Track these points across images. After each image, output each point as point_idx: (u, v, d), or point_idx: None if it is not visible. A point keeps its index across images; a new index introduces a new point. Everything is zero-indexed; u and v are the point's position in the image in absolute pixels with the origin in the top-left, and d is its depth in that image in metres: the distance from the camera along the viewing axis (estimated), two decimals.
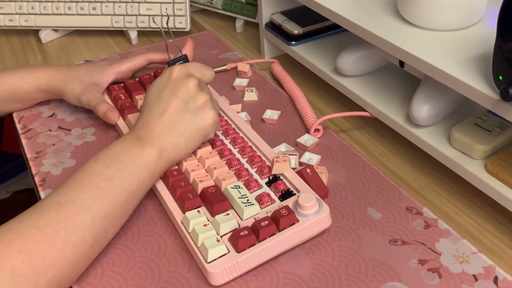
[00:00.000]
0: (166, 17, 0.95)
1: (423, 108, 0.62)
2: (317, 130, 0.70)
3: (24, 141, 0.72)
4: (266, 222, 0.52)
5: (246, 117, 0.72)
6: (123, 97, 0.73)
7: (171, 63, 0.63)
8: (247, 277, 0.52)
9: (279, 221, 0.52)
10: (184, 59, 0.64)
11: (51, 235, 0.48)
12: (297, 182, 0.58)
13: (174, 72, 0.60)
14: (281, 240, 0.52)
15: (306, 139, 0.68)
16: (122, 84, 0.76)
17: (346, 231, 0.56)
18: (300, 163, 0.65)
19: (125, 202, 0.54)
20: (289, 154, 0.64)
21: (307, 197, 0.54)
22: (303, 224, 0.53)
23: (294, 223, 0.53)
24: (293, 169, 0.62)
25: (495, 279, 0.51)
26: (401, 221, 0.57)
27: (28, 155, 0.70)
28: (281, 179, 0.59)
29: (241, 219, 0.54)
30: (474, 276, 0.51)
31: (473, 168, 0.57)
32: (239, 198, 0.55)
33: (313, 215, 0.53)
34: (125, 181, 0.54)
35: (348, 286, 0.51)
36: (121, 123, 0.70)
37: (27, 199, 1.63)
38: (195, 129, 0.59)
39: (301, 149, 0.68)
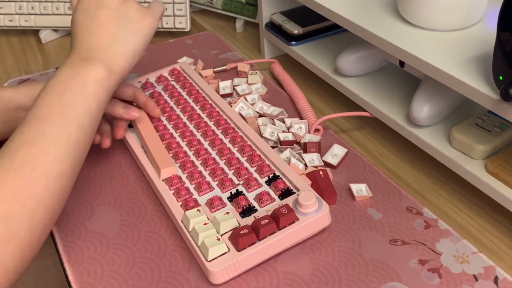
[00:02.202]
0: (167, 17, 0.95)
1: (423, 108, 0.62)
2: (317, 130, 0.70)
3: None
4: (266, 221, 0.52)
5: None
6: None
7: None
8: (247, 277, 0.52)
9: (279, 219, 0.52)
10: None
11: (30, 173, 0.48)
12: (297, 180, 0.58)
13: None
14: (281, 238, 0.52)
15: (306, 139, 0.68)
16: None
17: (346, 231, 0.56)
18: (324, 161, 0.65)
19: (90, 125, 0.54)
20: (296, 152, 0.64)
21: (306, 196, 0.54)
22: (303, 222, 0.53)
23: (294, 222, 0.53)
24: (306, 166, 0.63)
25: (495, 279, 0.51)
26: (401, 221, 0.57)
27: None
28: (281, 178, 0.59)
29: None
30: (474, 276, 0.51)
31: (473, 168, 0.57)
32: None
33: (313, 213, 0.53)
34: (84, 103, 0.53)
35: (348, 286, 0.51)
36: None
37: None
38: (135, 31, 0.59)
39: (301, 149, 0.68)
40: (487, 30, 0.62)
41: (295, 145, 0.67)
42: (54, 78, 0.55)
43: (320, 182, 0.59)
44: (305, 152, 0.65)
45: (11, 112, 0.65)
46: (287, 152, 0.64)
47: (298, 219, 0.53)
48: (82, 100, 0.53)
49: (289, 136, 0.67)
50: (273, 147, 0.66)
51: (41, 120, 0.51)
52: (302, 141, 0.67)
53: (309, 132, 0.69)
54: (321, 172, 0.60)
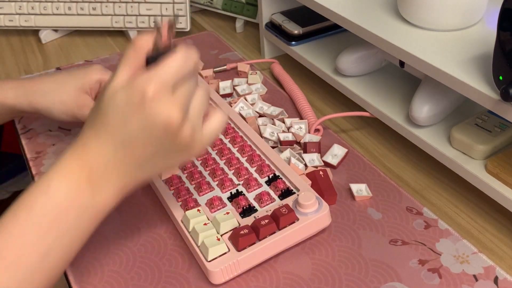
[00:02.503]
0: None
1: (423, 108, 0.62)
2: (317, 130, 0.70)
3: (24, 141, 0.72)
4: (266, 221, 0.52)
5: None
6: None
7: (151, 59, 0.45)
8: (247, 277, 0.52)
9: (279, 219, 0.52)
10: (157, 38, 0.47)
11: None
12: (297, 181, 0.58)
13: (149, 93, 0.42)
14: (281, 238, 0.52)
15: (306, 139, 0.68)
16: None
17: (346, 231, 0.56)
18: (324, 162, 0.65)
19: (64, 256, 0.45)
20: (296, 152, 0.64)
21: (306, 196, 0.54)
22: (303, 222, 0.53)
23: (294, 222, 0.53)
24: (306, 166, 0.63)
25: (495, 279, 0.51)
26: (401, 221, 0.57)
27: (28, 155, 0.70)
28: (281, 178, 0.59)
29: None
30: (474, 276, 0.51)
31: (473, 168, 0.57)
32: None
33: (313, 213, 0.53)
34: (66, 245, 0.44)
35: (348, 286, 0.51)
36: None
37: None
38: (171, 164, 0.47)
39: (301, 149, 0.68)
40: (487, 30, 0.61)
41: (295, 145, 0.67)
42: (45, 196, 0.43)
43: (320, 182, 0.59)
44: (305, 152, 0.65)
45: (14, 114, 0.65)
46: (287, 152, 0.64)
47: (298, 219, 0.53)
48: (65, 242, 0.44)
49: (289, 136, 0.67)
50: (273, 147, 0.66)
51: (4, 244, 0.42)
52: (302, 141, 0.67)
53: (309, 132, 0.69)
54: (321, 172, 0.60)
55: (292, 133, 0.68)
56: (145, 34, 0.45)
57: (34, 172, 0.67)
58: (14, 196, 1.72)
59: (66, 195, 0.44)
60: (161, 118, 0.42)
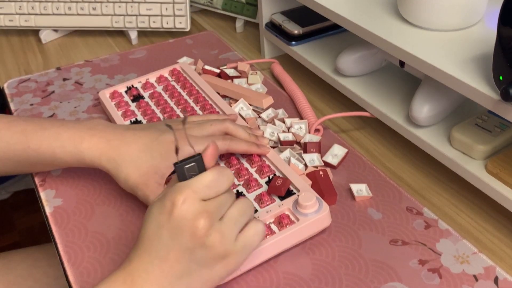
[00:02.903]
0: (167, 17, 0.95)
1: (423, 108, 0.62)
2: (317, 130, 0.70)
3: None
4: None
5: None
6: None
7: (178, 166, 0.45)
8: (247, 277, 0.52)
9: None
10: (198, 161, 0.46)
11: None
12: (297, 181, 0.58)
13: (177, 205, 0.43)
14: (281, 239, 0.52)
15: (307, 139, 0.68)
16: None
17: (346, 231, 0.56)
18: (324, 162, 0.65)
19: None
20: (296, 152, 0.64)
21: (307, 196, 0.54)
22: (303, 223, 0.53)
23: (294, 222, 0.53)
24: (306, 166, 0.63)
25: (496, 280, 0.51)
26: (402, 221, 0.57)
27: None
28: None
29: None
30: (475, 276, 0.51)
31: (473, 168, 0.57)
32: None
33: (313, 214, 0.53)
34: None
35: (348, 286, 0.51)
36: None
37: (27, 199, 1.63)
38: (204, 280, 0.46)
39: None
40: (487, 30, 0.61)
41: (295, 145, 0.67)
42: None
43: (320, 183, 0.59)
44: (305, 152, 0.65)
45: (19, 154, 0.60)
46: (287, 152, 0.64)
47: (298, 220, 0.53)
48: None
49: (289, 136, 0.67)
50: (273, 147, 0.66)
51: None
52: (302, 141, 0.67)
53: (309, 132, 0.69)
54: (321, 173, 0.60)
55: (292, 133, 0.68)
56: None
57: None
58: (14, 196, 1.72)
59: None
60: (187, 223, 0.43)
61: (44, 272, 0.75)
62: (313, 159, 0.65)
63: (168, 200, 0.44)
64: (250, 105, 0.74)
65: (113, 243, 0.56)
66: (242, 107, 0.73)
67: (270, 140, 0.67)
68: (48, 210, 0.61)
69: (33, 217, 1.59)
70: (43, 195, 0.63)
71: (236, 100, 0.75)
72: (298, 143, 0.68)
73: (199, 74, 0.83)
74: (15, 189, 1.63)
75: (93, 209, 0.61)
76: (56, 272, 0.75)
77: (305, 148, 0.65)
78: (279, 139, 0.67)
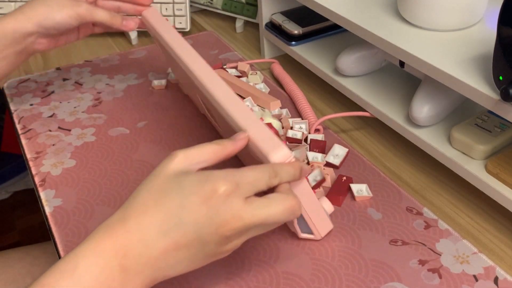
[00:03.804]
0: (167, 17, 0.95)
1: (423, 108, 0.62)
2: (317, 130, 0.70)
3: (24, 141, 0.72)
4: None
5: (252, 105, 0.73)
6: None
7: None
8: (247, 277, 0.52)
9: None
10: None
11: None
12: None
13: (220, 189, 0.40)
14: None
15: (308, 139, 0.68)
16: None
17: (346, 231, 0.56)
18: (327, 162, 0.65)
19: None
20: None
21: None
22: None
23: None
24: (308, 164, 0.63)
25: (496, 280, 0.51)
26: (401, 221, 0.57)
27: (28, 155, 0.70)
28: None
29: None
30: (475, 276, 0.51)
31: (473, 169, 0.57)
32: None
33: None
34: None
35: (348, 286, 0.51)
36: None
37: (27, 199, 1.63)
38: (204, 256, 0.42)
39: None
40: (487, 30, 0.61)
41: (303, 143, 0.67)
42: (70, 277, 0.38)
43: (336, 184, 0.60)
44: (311, 150, 0.65)
45: (20, 41, 0.66)
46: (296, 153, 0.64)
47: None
48: None
49: (297, 134, 0.67)
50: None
51: None
52: (309, 138, 0.67)
53: (309, 133, 0.69)
54: (344, 178, 0.61)
55: (302, 133, 0.68)
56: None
57: (34, 172, 0.67)
58: (14, 196, 1.72)
59: (96, 279, 0.38)
60: (219, 221, 0.40)
61: (43, 270, 0.74)
62: (316, 157, 0.64)
63: (210, 183, 0.40)
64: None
65: None
66: (247, 105, 0.73)
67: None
68: (48, 210, 0.61)
69: (33, 217, 1.59)
70: (43, 195, 0.63)
71: (243, 98, 0.75)
72: (301, 142, 0.68)
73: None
74: (15, 189, 1.63)
75: (93, 209, 0.61)
76: None
77: (311, 146, 0.65)
78: (286, 136, 0.67)
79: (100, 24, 0.72)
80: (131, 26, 0.71)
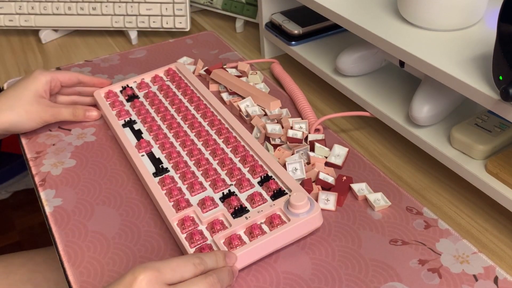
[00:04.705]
0: (167, 17, 0.95)
1: (423, 108, 0.62)
2: (317, 130, 0.70)
3: (24, 141, 0.72)
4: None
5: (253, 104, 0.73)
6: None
7: None
8: (247, 277, 0.52)
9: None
10: None
11: None
12: (289, 181, 0.58)
13: (139, 276, 0.44)
14: (272, 239, 0.52)
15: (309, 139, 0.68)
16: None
17: (346, 231, 0.56)
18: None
19: None
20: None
21: (298, 196, 0.54)
22: (294, 223, 0.53)
23: (285, 223, 0.53)
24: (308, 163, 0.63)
25: (495, 279, 0.51)
26: (401, 221, 0.57)
27: (28, 155, 0.70)
28: (273, 178, 0.59)
29: None
30: (474, 276, 0.51)
31: (473, 168, 0.57)
32: None
33: (305, 214, 0.53)
34: None
35: (348, 286, 0.51)
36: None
37: (27, 199, 1.63)
38: None
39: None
40: (487, 30, 0.61)
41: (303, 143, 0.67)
42: None
43: (338, 183, 0.61)
44: (311, 150, 0.65)
45: None
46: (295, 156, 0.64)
47: (289, 220, 0.53)
48: None
49: (298, 134, 0.67)
50: (278, 145, 0.66)
51: None
52: (309, 139, 0.67)
53: (309, 133, 0.69)
54: (344, 177, 0.61)
55: (303, 132, 0.68)
56: None
57: (34, 172, 0.67)
58: (14, 196, 1.72)
59: None
60: None
61: (44, 277, 0.75)
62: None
63: (131, 274, 0.45)
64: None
65: (113, 243, 0.56)
66: (248, 105, 0.73)
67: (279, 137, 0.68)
68: (48, 210, 0.61)
69: (33, 217, 1.59)
70: (43, 195, 0.63)
71: (242, 97, 0.75)
72: (304, 140, 0.68)
73: (199, 74, 0.83)
74: (15, 189, 1.63)
75: (93, 209, 0.61)
76: (56, 277, 0.75)
77: (312, 146, 0.65)
78: (286, 135, 0.67)
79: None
80: (93, 117, 0.75)
